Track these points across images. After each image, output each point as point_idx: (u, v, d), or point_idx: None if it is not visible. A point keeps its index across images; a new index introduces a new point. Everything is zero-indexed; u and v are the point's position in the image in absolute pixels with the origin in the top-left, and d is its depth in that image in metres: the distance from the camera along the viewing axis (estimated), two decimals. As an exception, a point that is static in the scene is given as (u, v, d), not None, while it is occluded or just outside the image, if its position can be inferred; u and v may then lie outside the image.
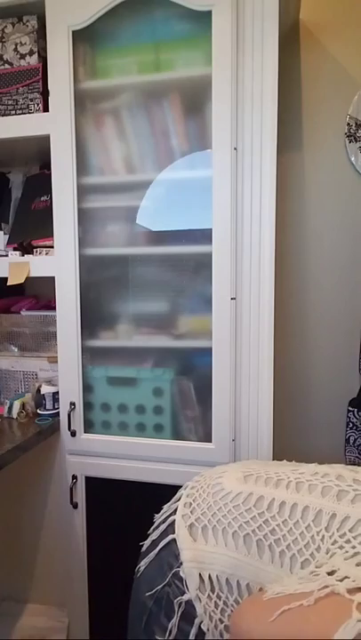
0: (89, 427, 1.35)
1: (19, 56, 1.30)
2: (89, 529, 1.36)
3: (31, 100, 1.30)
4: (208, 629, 0.65)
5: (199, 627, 0.66)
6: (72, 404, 1.32)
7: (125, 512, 1.33)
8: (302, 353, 1.58)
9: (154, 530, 0.80)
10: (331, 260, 1.53)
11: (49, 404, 1.35)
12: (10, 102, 1.31)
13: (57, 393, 1.35)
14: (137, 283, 1.34)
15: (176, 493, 0.84)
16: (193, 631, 0.66)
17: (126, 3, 1.19)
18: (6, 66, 1.31)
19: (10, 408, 1.35)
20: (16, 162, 1.56)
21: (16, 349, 1.45)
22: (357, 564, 0.53)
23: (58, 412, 1.35)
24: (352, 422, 1.49)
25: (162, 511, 0.82)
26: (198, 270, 1.28)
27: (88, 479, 1.34)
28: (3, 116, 1.32)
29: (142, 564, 0.77)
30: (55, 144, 1.26)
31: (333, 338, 1.55)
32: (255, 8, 1.12)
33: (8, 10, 1.28)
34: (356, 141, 1.46)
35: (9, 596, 1.51)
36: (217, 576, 0.67)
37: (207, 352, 1.22)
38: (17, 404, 1.34)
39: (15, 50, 1.30)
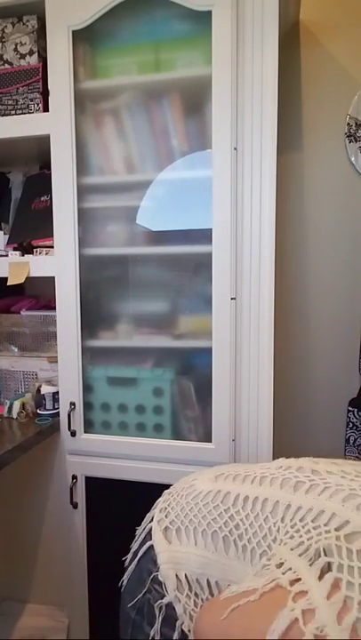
0: (89, 427, 1.35)
1: (19, 56, 1.30)
2: (89, 529, 1.36)
3: (31, 99, 1.30)
4: (190, 630, 0.65)
5: (181, 629, 0.65)
6: (72, 404, 1.32)
7: (125, 512, 1.33)
8: (302, 353, 1.58)
9: (135, 542, 0.79)
10: (331, 259, 1.53)
11: (49, 404, 1.35)
12: (10, 102, 1.31)
13: (57, 393, 1.35)
14: (137, 283, 1.34)
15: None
16: (176, 635, 0.65)
17: (126, 3, 1.19)
18: (6, 66, 1.31)
19: (10, 408, 1.35)
20: (16, 162, 1.56)
21: (16, 349, 1.45)
22: (300, 555, 0.54)
23: (58, 412, 1.35)
24: (352, 422, 1.49)
25: (142, 523, 0.81)
26: (198, 270, 1.28)
27: (88, 479, 1.34)
28: (3, 116, 1.32)
29: (124, 578, 0.78)
30: (55, 144, 1.26)
31: (333, 338, 1.55)
32: (255, 8, 1.12)
33: (8, 10, 1.28)
34: (356, 141, 1.46)
35: (9, 596, 1.51)
36: (190, 577, 0.67)
37: (207, 352, 1.22)
38: (17, 404, 1.34)
39: (15, 50, 1.30)
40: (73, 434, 1.33)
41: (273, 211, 1.16)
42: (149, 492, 1.29)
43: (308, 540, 0.55)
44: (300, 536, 0.57)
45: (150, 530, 0.75)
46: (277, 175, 1.16)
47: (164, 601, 0.67)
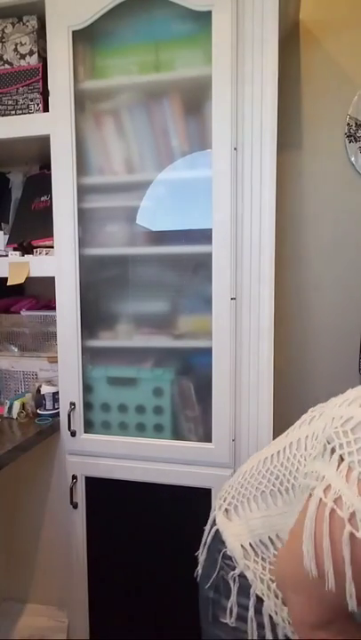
0: (89, 427, 1.35)
1: (19, 56, 1.30)
2: (89, 529, 1.36)
3: (31, 100, 1.30)
4: (263, 594, 0.71)
5: (256, 595, 0.72)
6: (72, 404, 1.32)
7: (125, 512, 1.33)
8: (302, 353, 1.58)
9: (204, 535, 0.86)
10: (331, 259, 1.53)
11: (49, 404, 1.35)
12: (10, 102, 1.31)
13: (57, 393, 1.35)
14: (137, 283, 1.34)
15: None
16: (252, 602, 0.72)
17: (126, 3, 1.19)
18: (6, 66, 1.31)
19: (10, 408, 1.35)
20: (16, 162, 1.56)
21: (16, 349, 1.45)
22: (314, 458, 0.64)
23: (58, 412, 1.35)
24: (352, 422, 1.49)
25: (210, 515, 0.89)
26: (198, 270, 1.28)
27: (88, 479, 1.34)
28: (3, 116, 1.32)
29: (199, 567, 0.85)
30: (55, 144, 1.26)
31: (333, 338, 1.55)
32: (255, 8, 1.12)
33: (8, 10, 1.28)
34: (356, 141, 1.46)
35: (9, 596, 1.51)
36: (253, 542, 0.74)
37: (207, 352, 1.22)
38: (17, 404, 1.34)
39: (15, 50, 1.30)
40: (73, 434, 1.33)
41: (273, 210, 1.16)
42: (149, 492, 1.30)
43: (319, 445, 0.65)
44: (314, 449, 0.66)
45: (215, 517, 0.83)
46: (277, 175, 1.16)
47: (236, 572, 0.74)
